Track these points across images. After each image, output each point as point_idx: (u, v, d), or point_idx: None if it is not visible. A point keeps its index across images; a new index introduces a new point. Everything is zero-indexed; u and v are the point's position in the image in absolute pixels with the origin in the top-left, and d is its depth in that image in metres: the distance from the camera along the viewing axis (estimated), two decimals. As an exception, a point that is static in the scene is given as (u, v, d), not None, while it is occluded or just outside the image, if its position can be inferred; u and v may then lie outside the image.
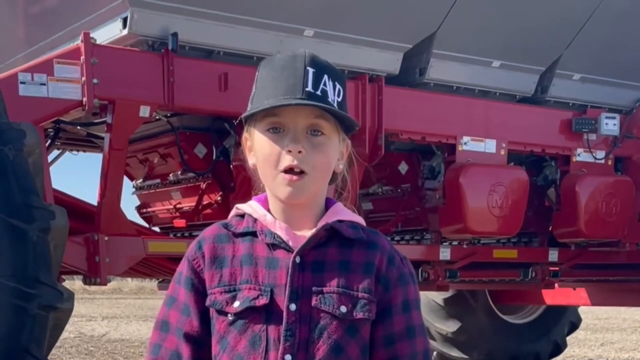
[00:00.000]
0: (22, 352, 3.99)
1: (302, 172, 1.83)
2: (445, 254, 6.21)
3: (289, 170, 1.83)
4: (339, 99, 1.88)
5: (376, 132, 5.59)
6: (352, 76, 5.54)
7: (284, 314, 1.82)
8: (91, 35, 4.73)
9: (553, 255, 6.77)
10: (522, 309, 9.04)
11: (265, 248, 1.88)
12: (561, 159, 6.66)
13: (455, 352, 8.55)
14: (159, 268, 5.49)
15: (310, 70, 1.83)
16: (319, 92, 1.83)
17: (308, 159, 1.83)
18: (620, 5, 6.23)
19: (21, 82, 4.55)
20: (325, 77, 1.85)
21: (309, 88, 1.82)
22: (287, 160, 1.83)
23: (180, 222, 6.06)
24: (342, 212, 1.93)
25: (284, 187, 1.84)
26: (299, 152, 1.82)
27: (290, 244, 1.87)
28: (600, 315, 21.82)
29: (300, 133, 1.84)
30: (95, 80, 4.67)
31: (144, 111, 4.85)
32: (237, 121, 1.97)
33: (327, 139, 1.87)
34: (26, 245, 3.99)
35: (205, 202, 6.00)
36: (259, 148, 1.88)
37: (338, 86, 1.88)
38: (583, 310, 9.64)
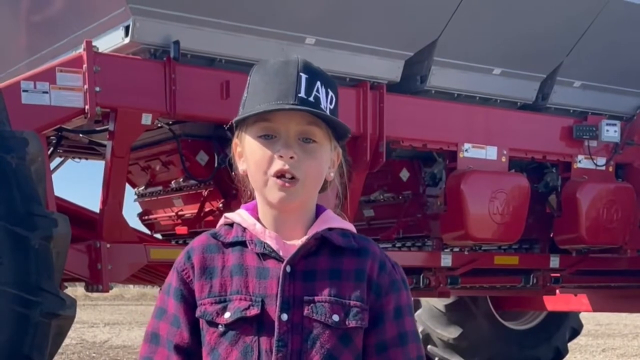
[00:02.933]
0: (25, 359, 4.00)
1: (293, 178, 1.81)
2: (446, 260, 6.22)
3: (280, 176, 1.81)
4: (332, 106, 1.86)
5: (377, 140, 5.60)
6: (354, 84, 5.55)
7: (276, 324, 1.80)
8: (93, 43, 4.75)
9: (554, 261, 6.78)
10: (523, 315, 9.04)
11: (255, 258, 1.86)
12: (562, 165, 6.66)
13: (456, 358, 8.56)
14: (160, 275, 5.49)
15: (303, 77, 1.82)
16: (311, 99, 1.81)
17: (300, 165, 1.81)
18: (621, 12, 6.24)
19: (24, 90, 4.56)
20: (318, 83, 1.83)
21: (302, 94, 1.80)
22: (278, 165, 1.81)
23: (182, 229, 6.06)
24: (332, 220, 1.91)
25: (276, 192, 1.82)
26: (291, 157, 1.80)
27: (281, 253, 1.84)
28: (601, 321, 21.80)
29: (292, 139, 1.82)
30: (97, 88, 4.69)
31: (146, 119, 4.87)
32: (228, 126, 1.95)
33: (319, 146, 1.85)
34: (28, 252, 4.01)
35: (207, 209, 6.01)
36: (250, 153, 1.85)
37: (331, 93, 1.86)
38: (584, 316, 9.64)
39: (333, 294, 1.82)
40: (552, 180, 6.73)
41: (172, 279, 1.91)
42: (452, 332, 8.42)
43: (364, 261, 1.88)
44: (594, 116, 6.62)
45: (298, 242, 1.86)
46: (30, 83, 4.59)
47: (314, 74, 1.84)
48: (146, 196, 6.55)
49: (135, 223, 6.57)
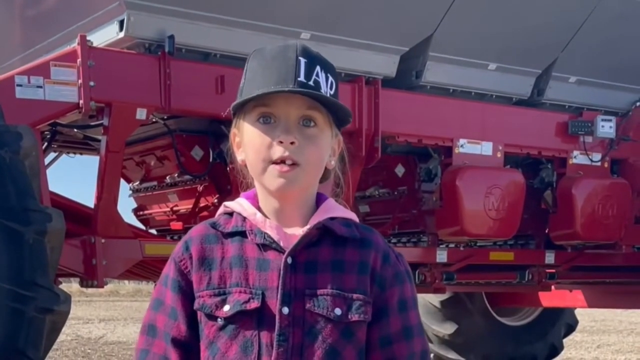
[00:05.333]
0: (19, 354, 3.99)
1: (293, 164, 1.76)
2: (442, 256, 6.21)
3: (280, 162, 1.76)
4: (332, 92, 1.80)
5: (373, 135, 5.59)
6: (349, 79, 5.54)
7: (277, 317, 1.75)
8: (88, 38, 4.73)
9: (549, 257, 6.78)
10: (518, 312, 9.04)
11: (255, 249, 1.81)
12: (557, 161, 6.66)
13: (452, 355, 8.55)
14: (155, 270, 5.48)
15: (302, 60, 1.76)
16: (311, 83, 1.76)
17: (300, 151, 1.76)
18: (616, 8, 6.24)
19: (18, 85, 4.55)
20: (318, 68, 1.78)
21: (302, 78, 1.75)
22: (278, 152, 1.75)
23: (177, 225, 6.05)
24: (334, 209, 1.86)
25: (276, 179, 1.76)
26: (291, 143, 1.75)
27: (282, 244, 1.79)
28: (596, 317, 21.82)
29: (292, 124, 1.77)
30: (91, 83, 4.67)
31: (141, 114, 4.85)
32: (225, 113, 1.91)
33: (320, 131, 1.80)
34: (23, 247, 3.99)
35: (202, 205, 6.00)
36: (248, 140, 1.80)
37: (331, 78, 1.81)
38: (579, 313, 9.64)
39: (335, 287, 1.78)
40: (547, 176, 6.73)
41: (169, 269, 1.87)
42: (447, 328, 8.41)
43: (367, 253, 1.83)
44: (590, 112, 6.63)
45: (299, 232, 1.81)
46: (25, 77, 4.58)
47: (313, 59, 1.79)
48: (141, 191, 6.53)
49: (130, 218, 6.56)
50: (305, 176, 1.79)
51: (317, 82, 1.77)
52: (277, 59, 1.77)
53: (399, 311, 1.84)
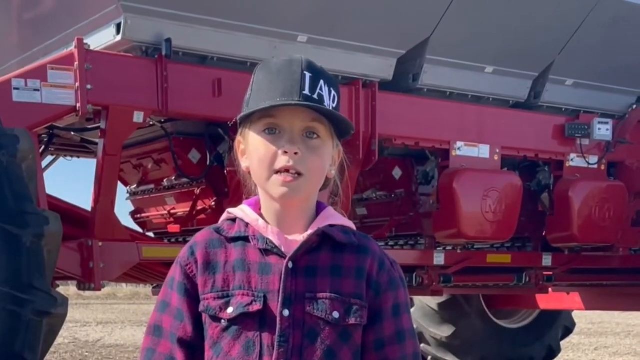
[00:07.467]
0: (16, 357, 3.99)
1: (296, 174, 1.84)
2: (439, 258, 6.22)
3: (284, 172, 1.84)
4: (334, 105, 1.89)
5: (370, 138, 5.60)
6: (346, 82, 5.54)
7: (278, 319, 1.83)
8: (85, 41, 4.74)
9: (547, 259, 6.78)
10: (516, 314, 9.05)
11: (257, 253, 1.88)
12: (554, 164, 6.67)
13: (449, 357, 8.56)
14: (153, 273, 5.49)
15: (307, 75, 1.85)
16: (315, 96, 1.84)
17: (304, 161, 1.84)
18: (613, 11, 6.25)
19: (15, 88, 4.55)
20: (322, 82, 1.87)
21: (306, 91, 1.83)
22: (282, 161, 1.84)
23: (174, 228, 6.05)
24: (333, 217, 1.94)
25: (279, 188, 1.84)
26: (295, 153, 1.83)
27: (283, 249, 1.87)
28: (594, 319, 21.85)
29: (296, 135, 1.85)
30: (89, 86, 4.67)
31: (138, 117, 4.86)
32: (232, 123, 1.96)
33: (322, 143, 1.88)
34: (20, 250, 3.99)
35: (199, 208, 6.00)
36: (254, 149, 1.88)
37: (333, 92, 1.89)
38: (577, 315, 9.66)
39: (334, 291, 1.86)
40: (544, 178, 6.74)
41: (175, 272, 1.94)
42: (445, 331, 8.42)
43: (365, 259, 1.91)
44: (586, 114, 6.63)
45: (300, 238, 1.89)
46: (22, 81, 4.58)
47: (317, 73, 1.87)
48: (138, 194, 6.54)
49: (127, 221, 6.56)
50: (308, 185, 1.87)
51: (320, 96, 1.86)
52: (283, 72, 1.86)
53: (393, 315, 1.92)
